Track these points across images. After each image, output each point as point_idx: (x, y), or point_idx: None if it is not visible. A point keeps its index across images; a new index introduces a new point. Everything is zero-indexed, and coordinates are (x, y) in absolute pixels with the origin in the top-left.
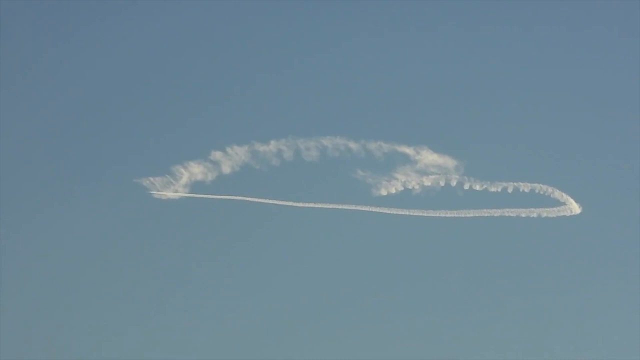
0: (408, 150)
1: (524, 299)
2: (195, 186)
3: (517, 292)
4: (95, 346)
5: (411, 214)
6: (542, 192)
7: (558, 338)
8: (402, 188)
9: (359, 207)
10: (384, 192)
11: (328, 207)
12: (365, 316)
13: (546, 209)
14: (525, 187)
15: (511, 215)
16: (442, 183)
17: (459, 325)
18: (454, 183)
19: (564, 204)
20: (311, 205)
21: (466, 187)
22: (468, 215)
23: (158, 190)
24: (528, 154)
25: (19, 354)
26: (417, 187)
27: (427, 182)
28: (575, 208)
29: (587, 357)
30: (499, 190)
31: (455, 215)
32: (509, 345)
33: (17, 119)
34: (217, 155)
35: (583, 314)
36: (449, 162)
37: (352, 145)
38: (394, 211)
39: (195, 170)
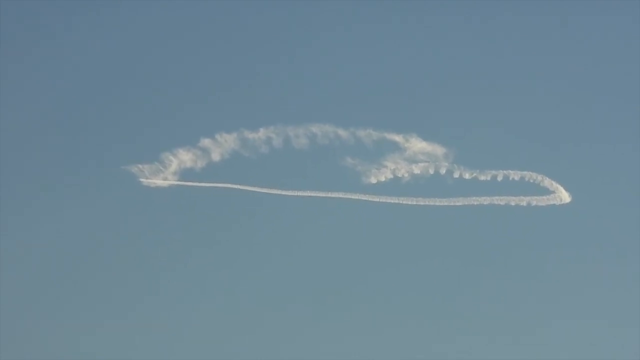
0: (397, 138)
1: (513, 287)
2: (185, 174)
3: (506, 280)
4: (81, 334)
5: (400, 202)
6: (531, 181)
7: (547, 327)
8: (391, 176)
9: (348, 195)
10: (373, 180)
11: (317, 195)
12: (355, 304)
13: (536, 197)
14: (514, 175)
15: (500, 203)
16: (431, 171)
17: (448, 313)
18: (443, 171)
19: (553, 192)
20: (300, 193)
21: (455, 175)
22: (457, 204)
23: (147, 178)
24: (518, 142)
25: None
26: (406, 175)
27: (417, 170)
28: (565, 196)
29: (576, 345)
30: (489, 178)
31: (445, 204)
32: (497, 333)
33: (5, 107)
34: (206, 142)
35: (573, 304)
36: (438, 149)
37: (342, 132)
38: (383, 199)
39: (185, 158)
